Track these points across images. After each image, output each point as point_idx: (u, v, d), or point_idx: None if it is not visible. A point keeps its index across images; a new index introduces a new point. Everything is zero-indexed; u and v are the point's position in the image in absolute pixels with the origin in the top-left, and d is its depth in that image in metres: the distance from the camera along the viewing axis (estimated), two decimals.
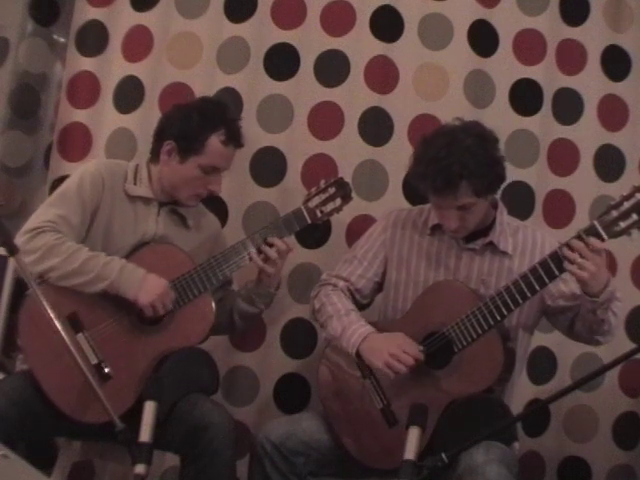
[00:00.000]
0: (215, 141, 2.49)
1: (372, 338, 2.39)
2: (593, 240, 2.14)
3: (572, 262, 2.16)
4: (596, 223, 2.14)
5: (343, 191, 2.65)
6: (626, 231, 2.12)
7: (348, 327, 2.43)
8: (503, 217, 2.47)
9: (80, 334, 2.33)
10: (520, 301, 2.24)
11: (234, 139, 2.54)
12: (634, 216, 2.09)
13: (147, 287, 2.36)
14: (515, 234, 2.47)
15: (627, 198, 2.10)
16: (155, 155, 2.56)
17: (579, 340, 2.46)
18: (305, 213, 2.59)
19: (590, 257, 2.14)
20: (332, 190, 2.64)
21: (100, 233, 2.48)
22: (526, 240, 2.46)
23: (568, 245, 2.17)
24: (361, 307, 2.59)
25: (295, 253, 2.73)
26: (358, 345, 2.39)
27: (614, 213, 2.11)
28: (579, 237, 2.16)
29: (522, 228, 2.50)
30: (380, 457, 2.35)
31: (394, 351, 2.32)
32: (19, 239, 2.32)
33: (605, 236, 2.13)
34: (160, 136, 2.56)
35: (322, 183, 2.64)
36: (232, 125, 2.54)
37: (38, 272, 2.33)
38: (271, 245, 2.51)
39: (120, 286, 2.35)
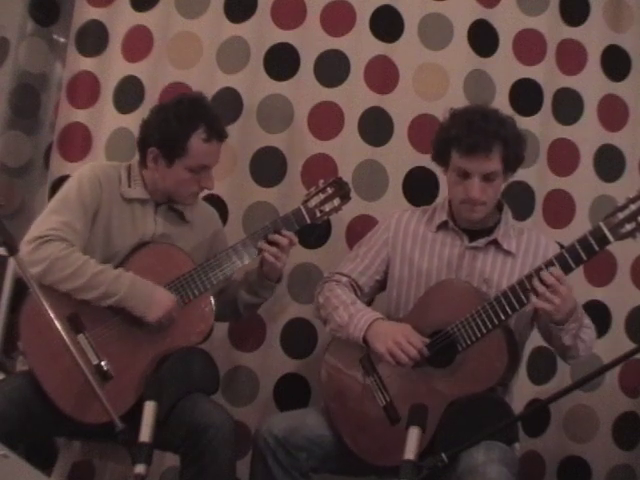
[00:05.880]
0: (197, 141, 2.46)
1: (379, 324, 2.40)
2: (554, 270, 2.16)
3: (538, 294, 2.18)
4: (602, 225, 2.13)
5: (342, 191, 2.66)
6: (632, 233, 2.10)
7: (355, 314, 2.43)
8: (508, 218, 2.49)
9: (81, 335, 2.32)
10: (525, 301, 2.23)
11: (216, 134, 2.49)
12: None
13: (156, 304, 2.36)
14: (520, 235, 2.48)
15: (633, 200, 2.09)
16: (143, 162, 2.54)
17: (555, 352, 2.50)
18: (304, 213, 2.60)
19: (556, 290, 2.16)
20: (331, 190, 2.64)
21: (99, 236, 2.47)
22: (530, 241, 2.47)
23: (539, 277, 2.18)
24: None
25: (295, 253, 2.73)
26: (365, 330, 2.39)
27: (620, 215, 2.10)
28: (546, 267, 2.18)
29: (527, 231, 2.52)
30: (381, 455, 2.34)
31: (399, 339, 2.33)
32: (23, 249, 2.28)
33: (611, 238, 2.12)
34: (143, 144, 2.53)
35: (321, 183, 2.65)
36: (211, 120, 2.49)
37: (46, 284, 2.29)
38: (271, 242, 2.52)
39: (128, 302, 2.35)
